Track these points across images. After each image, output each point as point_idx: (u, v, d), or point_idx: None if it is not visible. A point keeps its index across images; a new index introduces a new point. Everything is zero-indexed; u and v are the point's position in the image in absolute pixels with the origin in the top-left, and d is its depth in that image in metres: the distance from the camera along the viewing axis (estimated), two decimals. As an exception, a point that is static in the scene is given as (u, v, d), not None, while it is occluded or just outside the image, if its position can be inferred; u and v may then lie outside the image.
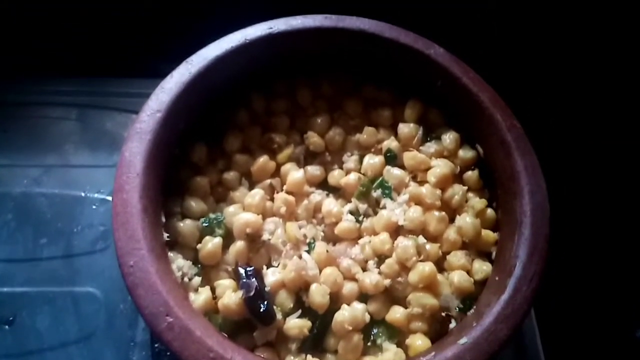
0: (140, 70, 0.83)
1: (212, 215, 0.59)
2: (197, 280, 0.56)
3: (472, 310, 0.55)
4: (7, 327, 0.66)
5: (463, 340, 0.48)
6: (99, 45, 0.87)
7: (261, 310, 0.53)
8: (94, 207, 0.74)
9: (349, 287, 0.57)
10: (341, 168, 0.66)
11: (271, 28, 0.62)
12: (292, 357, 0.54)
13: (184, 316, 0.47)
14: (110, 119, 0.82)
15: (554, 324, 0.70)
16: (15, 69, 0.84)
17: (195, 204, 0.60)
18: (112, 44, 0.88)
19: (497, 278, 0.54)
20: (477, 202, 0.61)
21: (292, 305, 0.56)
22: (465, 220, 0.59)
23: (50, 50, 0.87)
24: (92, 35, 0.87)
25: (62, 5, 0.84)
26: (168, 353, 0.64)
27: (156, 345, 0.65)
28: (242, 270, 0.56)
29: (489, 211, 0.62)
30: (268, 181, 0.63)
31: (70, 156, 0.78)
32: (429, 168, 0.63)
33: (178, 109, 0.57)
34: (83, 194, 0.75)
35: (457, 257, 0.58)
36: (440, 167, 0.62)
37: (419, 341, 0.55)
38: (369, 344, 0.56)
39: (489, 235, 0.60)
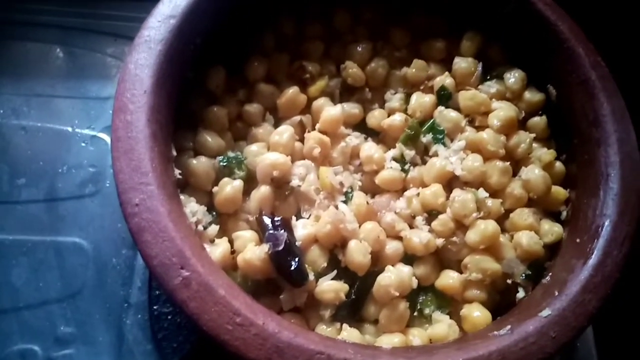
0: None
1: (231, 154, 0.49)
2: (213, 229, 0.45)
3: (547, 278, 0.45)
4: (-24, 280, 0.55)
5: (545, 313, 0.40)
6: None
7: (291, 268, 0.44)
8: (83, 144, 0.63)
9: (392, 247, 0.48)
10: (383, 107, 0.55)
11: None
12: (324, 326, 0.45)
13: (204, 270, 0.37)
14: (104, 45, 0.70)
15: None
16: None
17: (211, 139, 0.49)
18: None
19: (577, 240, 0.45)
20: (544, 153, 0.52)
21: (326, 264, 0.46)
22: (534, 172, 0.50)
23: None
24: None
25: None
26: (169, 317, 0.54)
27: (155, 307, 0.54)
28: (268, 220, 0.46)
29: (558, 164, 0.52)
30: (297, 118, 0.52)
31: (56, 85, 0.66)
32: (489, 111, 0.53)
33: (195, 17, 0.46)
34: (70, 129, 0.63)
35: (524, 216, 0.49)
36: (504, 109, 0.52)
37: (476, 312, 0.46)
38: (415, 313, 0.47)
39: (559, 192, 0.51)
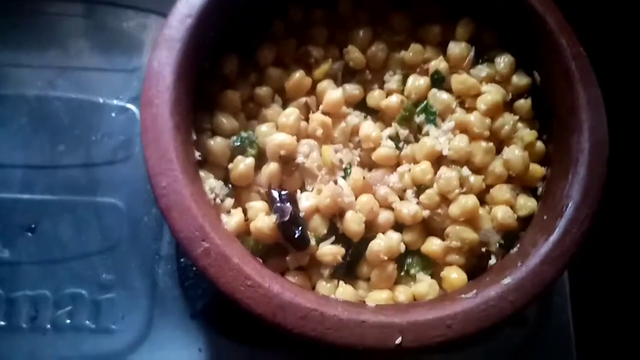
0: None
1: (244, 134, 0.56)
2: (229, 202, 0.53)
3: (515, 249, 0.52)
4: (29, 234, 0.64)
5: (507, 281, 0.47)
6: None
7: (296, 235, 0.51)
8: (112, 115, 0.70)
9: (385, 216, 0.55)
10: (382, 88, 0.61)
11: None
12: (324, 283, 0.53)
13: (221, 242, 0.45)
14: (127, 18, 0.75)
15: (587, 280, 0.68)
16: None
17: (226, 120, 0.56)
18: None
19: (545, 217, 0.52)
20: (527, 133, 0.57)
21: (326, 232, 0.53)
22: (514, 152, 0.55)
23: None
24: None
25: None
26: (194, 268, 0.63)
27: (182, 259, 0.64)
28: (275, 194, 0.53)
29: (539, 144, 0.58)
30: (303, 99, 0.58)
31: (85, 58, 0.72)
32: (478, 94, 0.58)
33: (209, 14, 0.51)
34: (101, 100, 0.70)
35: (502, 192, 0.55)
36: (491, 94, 0.57)
37: (454, 274, 0.53)
38: (402, 273, 0.55)
39: (536, 170, 0.56)
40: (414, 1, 0.61)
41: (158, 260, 0.64)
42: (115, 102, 0.70)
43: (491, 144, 0.56)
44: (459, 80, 0.58)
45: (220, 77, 0.57)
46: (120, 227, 0.65)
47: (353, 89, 0.60)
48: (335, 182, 0.55)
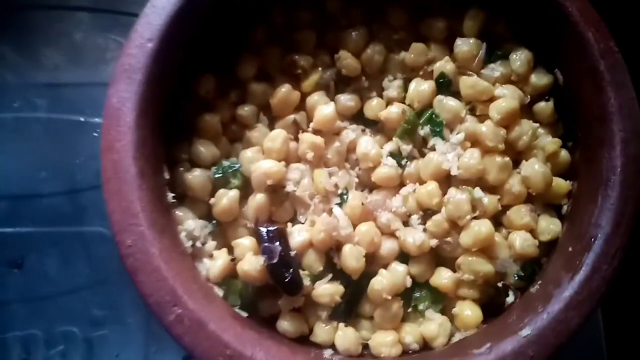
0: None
1: (225, 163, 0.50)
2: (210, 245, 0.48)
3: (536, 286, 0.46)
4: (16, 270, 0.61)
5: (525, 332, 0.41)
6: None
7: (286, 279, 0.46)
8: (95, 134, 0.64)
9: (388, 246, 0.49)
10: (381, 96, 0.54)
11: None
12: (322, 325, 0.49)
13: (195, 306, 0.40)
14: (111, 23, 0.68)
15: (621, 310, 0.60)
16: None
17: (205, 149, 0.50)
18: None
19: (570, 249, 0.45)
20: (549, 142, 0.50)
21: (321, 268, 0.48)
22: (534, 168, 0.48)
23: None
24: None
25: None
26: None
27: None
28: (263, 231, 0.48)
29: (563, 153, 0.50)
30: (291, 117, 0.52)
31: (63, 72, 0.67)
32: (492, 99, 0.50)
33: (174, 34, 0.45)
34: (82, 119, 0.65)
35: (520, 214, 0.49)
36: (506, 99, 0.49)
37: (467, 311, 0.48)
38: (409, 309, 0.50)
39: (560, 185, 0.49)
40: (412, -9, 0.53)
41: (152, 291, 0.60)
42: (97, 119, 0.65)
43: (507, 158, 0.49)
44: (468, 83, 0.50)
45: (196, 98, 0.51)
46: (109, 258, 0.61)
47: (348, 100, 0.53)
48: (330, 212, 0.49)
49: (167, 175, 0.46)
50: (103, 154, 0.42)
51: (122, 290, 0.60)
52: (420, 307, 0.49)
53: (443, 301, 0.49)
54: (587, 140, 0.47)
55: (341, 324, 0.48)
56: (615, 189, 0.43)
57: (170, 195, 0.46)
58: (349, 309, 0.49)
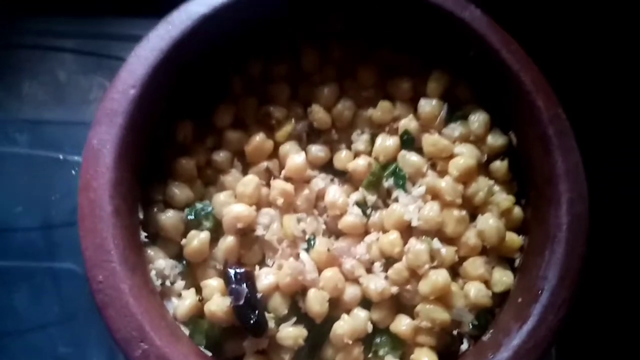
0: (134, 8, 0.71)
1: (198, 205, 0.52)
2: (180, 284, 0.50)
3: (488, 335, 0.49)
4: (-18, 304, 0.61)
5: (475, 379, 0.43)
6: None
7: (252, 321, 0.48)
8: (73, 172, 0.66)
9: (350, 292, 0.51)
10: (349, 148, 0.57)
11: (271, -21, 0.51)
12: (285, 367, 0.50)
13: (161, 342, 0.41)
14: (95, 66, 0.71)
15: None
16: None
17: (179, 192, 0.52)
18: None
19: (519, 300, 0.48)
20: (503, 199, 0.53)
21: (286, 312, 0.50)
22: (489, 222, 0.51)
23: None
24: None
25: None
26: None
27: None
28: (231, 273, 0.49)
29: (516, 210, 0.54)
30: (264, 164, 0.55)
31: (45, 110, 0.69)
32: (451, 156, 0.54)
33: (156, 82, 0.48)
34: (61, 157, 0.67)
35: (476, 266, 0.51)
36: (464, 157, 0.53)
37: (425, 357, 0.50)
38: (370, 355, 0.51)
39: (513, 240, 0.53)
40: (382, 52, 0.57)
41: (118, 329, 0.61)
42: (76, 158, 0.67)
43: (464, 212, 0.52)
44: (430, 141, 0.54)
45: (174, 144, 0.53)
46: (78, 295, 0.62)
47: (318, 151, 0.56)
48: (297, 257, 0.51)
49: (141, 215, 0.48)
50: (80, 193, 0.44)
51: (89, 327, 0.61)
52: (381, 352, 0.51)
53: (402, 347, 0.51)
54: (537, 200, 0.50)
55: (304, 367, 0.50)
56: (561, 245, 0.46)
57: (143, 234, 0.48)
58: (312, 352, 0.51)
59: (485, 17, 0.52)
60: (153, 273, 0.48)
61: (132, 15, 0.72)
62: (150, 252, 0.49)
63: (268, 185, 0.54)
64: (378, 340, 0.51)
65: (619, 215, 0.70)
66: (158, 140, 0.52)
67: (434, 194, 0.53)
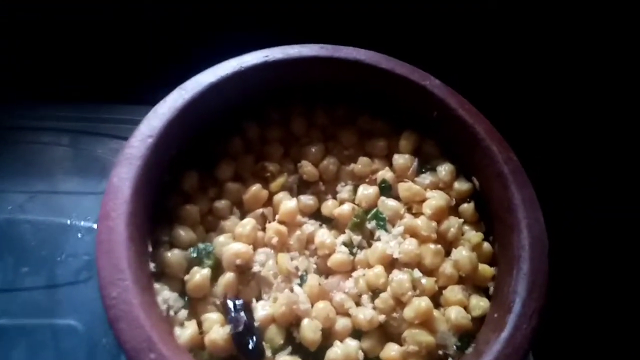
0: (133, 97, 0.82)
1: (201, 245, 0.57)
2: (183, 313, 0.53)
3: (470, 349, 0.52)
4: (-21, 361, 0.62)
5: (461, 383, 0.46)
6: (92, 70, 0.87)
7: (250, 347, 0.51)
8: (79, 235, 0.71)
9: (342, 323, 0.55)
10: (335, 198, 0.64)
11: (267, 56, 0.62)
12: (282, 397, 0.52)
13: (168, 353, 0.44)
14: (101, 145, 0.80)
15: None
16: (6, 94, 0.83)
17: (184, 233, 0.58)
18: (106, 70, 0.87)
19: (495, 315, 0.52)
20: (473, 235, 0.60)
21: (282, 342, 0.53)
22: (462, 253, 0.57)
23: (42, 75, 0.86)
24: (85, 61, 0.86)
25: (54, 32, 0.84)
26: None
27: (138, 382, 0.61)
28: (230, 304, 0.53)
29: (486, 245, 0.60)
30: (260, 210, 0.61)
31: (58, 182, 0.76)
32: (424, 200, 0.62)
33: (170, 134, 0.56)
34: (69, 222, 0.72)
35: (454, 292, 0.56)
36: (435, 199, 0.61)
37: (414, 381, 0.52)
38: (362, 384, 0.54)
39: (485, 270, 0.58)
40: (360, 118, 0.67)
41: (114, 385, 0.62)
42: (82, 223, 0.73)
43: (439, 246, 0.58)
44: (404, 187, 0.62)
45: (180, 191, 0.60)
46: (76, 351, 0.63)
47: (308, 200, 0.63)
48: (292, 290, 0.56)
49: (150, 249, 0.53)
50: (100, 221, 0.49)
51: (86, 383, 0.62)
52: (372, 380, 0.54)
53: (392, 374, 0.54)
54: (501, 229, 0.57)
55: (300, 395, 0.52)
56: (525, 263, 0.52)
57: (152, 265, 0.53)
58: (306, 381, 0.53)
59: (443, 85, 0.63)
60: (160, 299, 0.51)
61: (121, 102, 0.83)
62: (157, 285, 0.53)
63: (264, 229, 0.60)
64: (369, 369, 0.54)
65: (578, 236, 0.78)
66: (166, 188, 0.59)
67: (411, 232, 0.59)
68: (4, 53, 0.85)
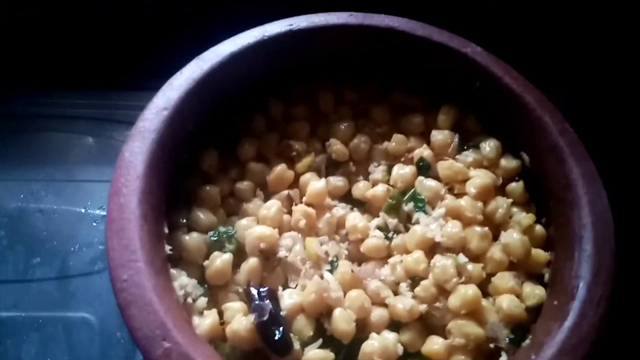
0: (151, 84, 0.78)
1: (222, 229, 0.52)
2: (202, 301, 0.48)
3: (527, 341, 0.46)
4: (-11, 356, 0.58)
5: (521, 377, 0.40)
6: (109, 56, 0.83)
7: (276, 337, 0.45)
8: (94, 224, 0.67)
9: (378, 314, 0.49)
10: (367, 179, 0.59)
11: (291, 25, 0.57)
12: (312, 395, 0.46)
13: (184, 341, 0.39)
14: (118, 132, 0.76)
15: None
16: (22, 80, 0.80)
17: (203, 216, 0.53)
18: (122, 55, 0.83)
19: (555, 302, 0.46)
20: (523, 217, 0.54)
21: (312, 333, 0.48)
22: (512, 236, 0.51)
23: (58, 61, 0.82)
24: (102, 46, 0.83)
25: (70, 16, 0.81)
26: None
27: (155, 379, 0.56)
28: (254, 291, 0.48)
29: (538, 227, 0.54)
30: (285, 192, 0.56)
31: (72, 170, 0.72)
32: (467, 179, 0.55)
33: (187, 108, 0.51)
34: (83, 210, 0.68)
35: (505, 280, 0.50)
36: (480, 177, 0.54)
37: (462, 378, 0.46)
38: (401, 380, 0.48)
39: (539, 254, 0.52)
40: (393, 93, 0.62)
41: (129, 382, 0.57)
42: (97, 211, 0.69)
43: (486, 228, 0.52)
44: (445, 166, 0.56)
45: (199, 172, 0.55)
46: (90, 345, 0.59)
47: (337, 181, 0.58)
48: (321, 277, 0.50)
49: (166, 230, 0.48)
50: (110, 198, 0.45)
51: (99, 379, 0.57)
52: (413, 377, 0.48)
53: (436, 371, 0.48)
54: (558, 208, 0.51)
55: (332, 393, 0.46)
56: (589, 243, 0.46)
57: (168, 247, 0.48)
58: (340, 378, 0.47)
59: (485, 52, 0.57)
60: (177, 284, 0.46)
61: (138, 89, 0.78)
62: (173, 271, 0.48)
63: (289, 213, 0.55)
64: (410, 365, 0.48)
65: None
66: (183, 168, 0.54)
67: (454, 214, 0.53)
68: (18, 40, 0.82)
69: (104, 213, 0.68)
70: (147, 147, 0.48)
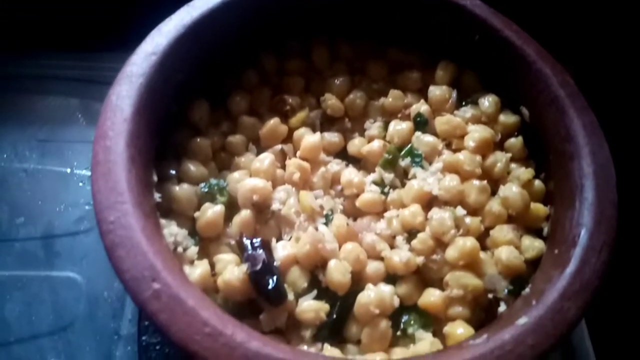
0: (138, 45, 0.75)
1: (213, 181, 0.51)
2: (193, 250, 0.46)
3: (527, 289, 0.45)
4: (-29, 315, 0.56)
5: (522, 321, 0.39)
6: (94, 17, 0.80)
7: (269, 287, 0.44)
8: (80, 184, 0.65)
9: (373, 267, 0.48)
10: (363, 136, 0.57)
11: (285, -27, 0.55)
12: (305, 347, 0.45)
13: (175, 283, 0.37)
14: (104, 94, 0.73)
15: (605, 319, 0.59)
16: (6, 42, 0.77)
17: (194, 168, 0.51)
18: (108, 16, 0.81)
19: (556, 251, 0.45)
20: (522, 172, 0.52)
21: (306, 285, 0.46)
22: (511, 189, 0.50)
23: (43, 23, 0.80)
24: (87, 6, 0.80)
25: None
26: (157, 347, 0.54)
27: (143, 338, 0.55)
28: (247, 242, 0.47)
29: (537, 182, 0.53)
30: (279, 147, 0.54)
31: (58, 131, 0.70)
32: (465, 134, 0.54)
33: (176, 55, 0.49)
34: (69, 171, 0.66)
35: (503, 232, 0.49)
36: (478, 132, 0.53)
37: (459, 329, 0.45)
38: (398, 333, 0.46)
39: (539, 208, 0.51)
40: (390, 49, 0.60)
41: (117, 341, 0.56)
42: (83, 172, 0.66)
43: (485, 182, 0.51)
44: (442, 121, 0.55)
45: (189, 124, 0.53)
46: (76, 304, 0.57)
47: (332, 137, 0.56)
48: (316, 229, 0.49)
49: (155, 178, 0.47)
50: (96, 142, 0.43)
51: (85, 338, 0.56)
52: (410, 330, 0.46)
53: (433, 324, 0.47)
54: (558, 160, 0.50)
55: (326, 345, 0.45)
56: (590, 192, 0.45)
57: (157, 195, 0.46)
58: (334, 330, 0.46)
59: (484, 4, 0.55)
60: (167, 232, 0.45)
61: (126, 51, 0.77)
62: (163, 221, 0.47)
63: (282, 167, 0.53)
64: (406, 318, 0.47)
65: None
66: (173, 121, 0.52)
67: (452, 169, 0.52)
68: (2, 1, 0.80)
69: (90, 173, 0.66)
70: (134, 91, 0.46)
